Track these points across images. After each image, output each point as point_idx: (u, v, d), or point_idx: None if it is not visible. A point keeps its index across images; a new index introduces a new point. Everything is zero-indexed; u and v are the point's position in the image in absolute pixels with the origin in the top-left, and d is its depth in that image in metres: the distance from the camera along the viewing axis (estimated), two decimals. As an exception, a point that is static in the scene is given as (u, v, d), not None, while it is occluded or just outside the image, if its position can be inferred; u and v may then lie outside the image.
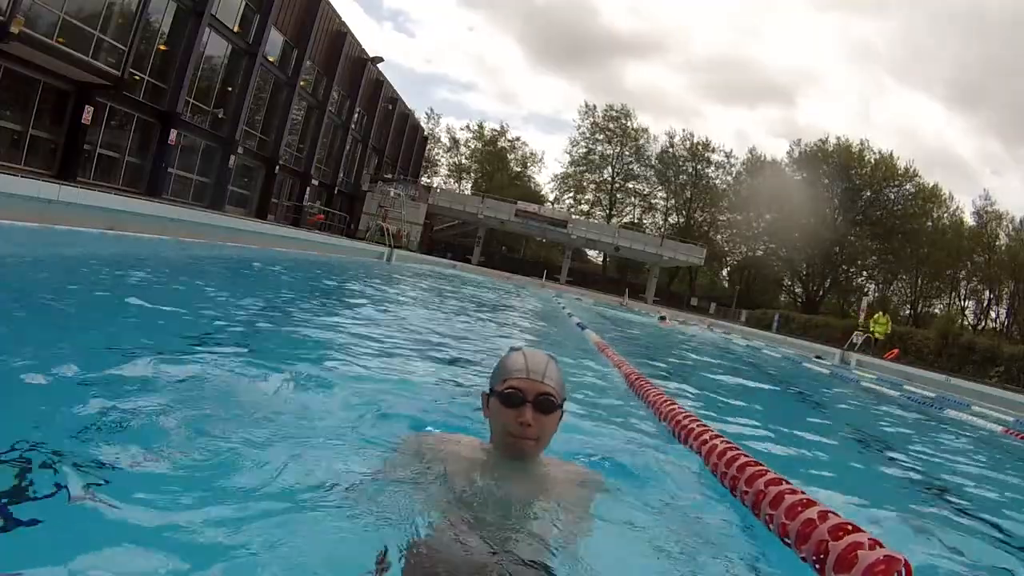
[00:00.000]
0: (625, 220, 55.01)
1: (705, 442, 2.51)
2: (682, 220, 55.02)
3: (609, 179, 56.21)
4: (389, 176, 39.80)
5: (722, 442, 2.42)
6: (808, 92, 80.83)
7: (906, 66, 74.42)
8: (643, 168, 55.81)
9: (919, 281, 47.89)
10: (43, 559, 1.26)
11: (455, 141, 60.17)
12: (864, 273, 51.23)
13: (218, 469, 1.76)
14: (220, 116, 22.38)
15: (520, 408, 1.68)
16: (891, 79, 77.75)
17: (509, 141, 59.99)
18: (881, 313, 21.46)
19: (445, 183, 57.02)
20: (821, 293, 50.85)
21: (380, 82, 36.73)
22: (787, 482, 1.94)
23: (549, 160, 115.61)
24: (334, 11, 29.30)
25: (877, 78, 75.48)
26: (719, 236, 54.56)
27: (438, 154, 59.98)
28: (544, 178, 69.14)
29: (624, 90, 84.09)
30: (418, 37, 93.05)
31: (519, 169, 60.03)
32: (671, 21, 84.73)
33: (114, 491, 1.54)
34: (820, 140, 51.47)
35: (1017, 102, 61.46)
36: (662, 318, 20.90)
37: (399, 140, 43.84)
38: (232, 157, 23.11)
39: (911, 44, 72.51)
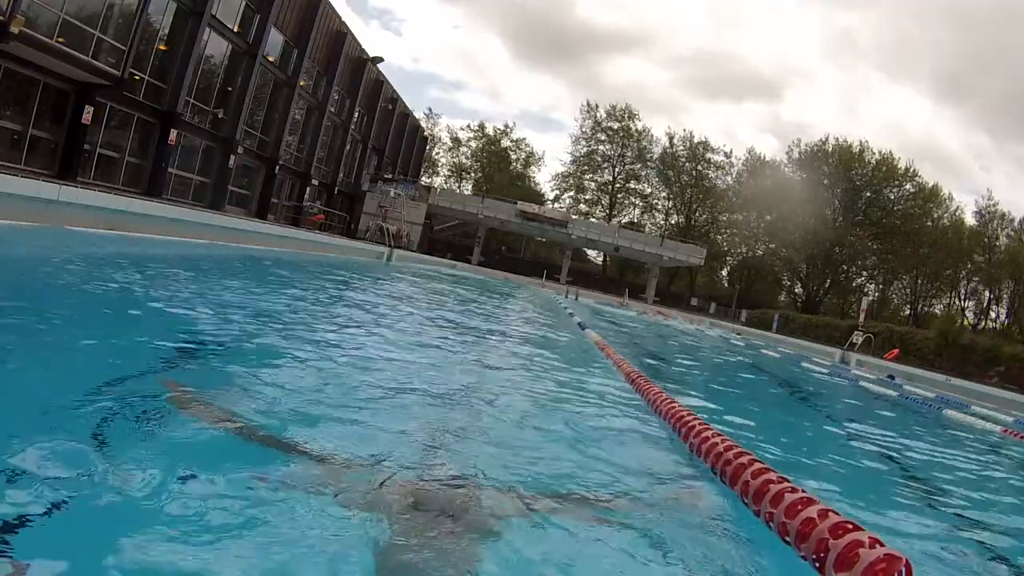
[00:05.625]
0: (625, 220, 54.95)
1: (706, 439, 2.51)
2: (682, 220, 54.97)
3: (610, 179, 56.16)
4: (389, 176, 39.72)
5: (721, 439, 2.41)
6: (795, 86, 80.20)
7: (892, 59, 74.07)
8: (644, 169, 55.80)
9: (919, 281, 47.83)
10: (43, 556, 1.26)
11: (456, 141, 60.04)
12: (864, 273, 51.17)
13: (213, 466, 1.76)
14: (220, 116, 22.35)
15: None
16: (878, 73, 77.31)
17: (513, 141, 59.83)
18: None
19: (445, 183, 56.89)
20: (821, 293, 50.79)
21: (380, 82, 36.70)
22: (787, 480, 1.93)
23: (545, 159, 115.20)
24: (334, 11, 29.28)
25: (863, 72, 75.03)
26: (719, 236, 54.49)
27: (438, 154, 59.85)
28: (543, 177, 68.84)
29: (609, 86, 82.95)
30: (405, 36, 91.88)
31: (521, 169, 59.84)
32: (650, 15, 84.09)
33: (113, 489, 1.54)
34: (820, 140, 51.49)
35: (1007, 96, 61.10)
36: (622, 303, 27.42)
37: (399, 140, 43.79)
38: (232, 157, 23.09)
39: (898, 36, 72.10)
